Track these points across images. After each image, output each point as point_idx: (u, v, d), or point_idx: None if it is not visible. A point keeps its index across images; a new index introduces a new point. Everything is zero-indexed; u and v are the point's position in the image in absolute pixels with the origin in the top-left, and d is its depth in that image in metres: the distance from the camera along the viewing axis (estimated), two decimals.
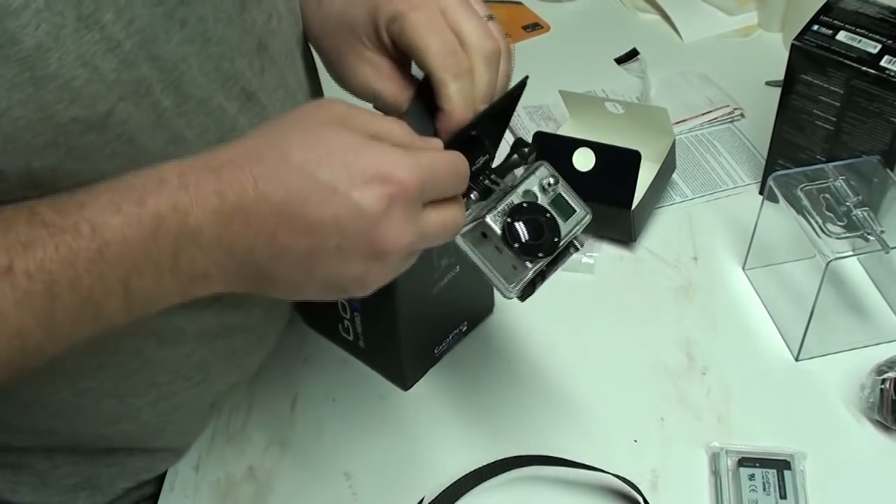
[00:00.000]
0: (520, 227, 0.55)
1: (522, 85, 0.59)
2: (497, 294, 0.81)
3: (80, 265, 0.43)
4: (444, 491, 0.68)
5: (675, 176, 0.93)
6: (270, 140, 0.46)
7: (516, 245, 0.54)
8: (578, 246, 0.58)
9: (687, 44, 1.13)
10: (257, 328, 0.69)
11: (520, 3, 1.20)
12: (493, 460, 0.69)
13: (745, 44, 1.12)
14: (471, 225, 0.55)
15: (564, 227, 0.57)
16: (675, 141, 0.89)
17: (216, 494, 0.70)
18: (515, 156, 0.57)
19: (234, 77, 0.55)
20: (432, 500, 0.68)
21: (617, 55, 1.11)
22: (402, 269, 0.49)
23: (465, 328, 0.79)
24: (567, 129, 0.94)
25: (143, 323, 0.51)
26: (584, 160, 0.84)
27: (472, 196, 0.56)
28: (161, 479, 0.72)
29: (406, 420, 0.74)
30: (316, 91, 0.70)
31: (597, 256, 0.86)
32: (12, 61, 0.43)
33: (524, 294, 0.56)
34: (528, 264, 0.55)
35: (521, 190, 0.56)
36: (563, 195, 0.58)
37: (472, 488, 0.69)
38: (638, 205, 0.83)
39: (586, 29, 1.16)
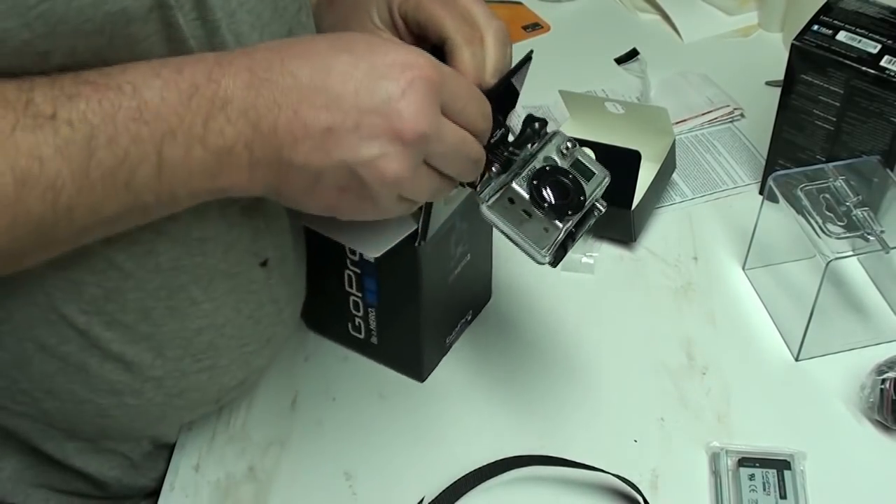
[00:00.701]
0: (546, 189, 0.56)
1: (528, 59, 0.61)
2: (494, 283, 0.82)
3: (119, 121, 0.44)
4: (444, 491, 0.68)
5: (675, 176, 0.93)
6: (302, 38, 0.50)
7: (546, 205, 0.56)
8: (601, 208, 0.60)
9: (687, 44, 1.13)
10: (267, 326, 0.69)
11: (520, 3, 1.20)
12: (493, 460, 0.69)
13: (745, 44, 1.12)
14: (497, 194, 0.56)
15: (588, 186, 0.58)
16: (675, 141, 0.89)
17: (216, 494, 0.70)
18: (529, 129, 0.58)
19: (284, 15, 0.56)
20: (432, 501, 0.68)
21: (617, 55, 1.11)
22: (420, 185, 0.51)
23: (469, 317, 0.80)
24: (567, 129, 0.93)
25: (155, 286, 0.54)
26: None
27: (493, 169, 0.57)
28: (161, 478, 0.72)
29: (406, 420, 0.74)
30: None
31: (597, 256, 0.86)
32: None
33: (556, 258, 0.58)
34: (559, 223, 0.56)
35: (541, 156, 0.58)
36: (581, 159, 0.59)
37: (472, 488, 0.69)
38: (638, 205, 0.83)
39: (586, 29, 1.16)
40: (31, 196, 0.44)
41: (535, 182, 0.56)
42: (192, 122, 0.46)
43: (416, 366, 0.76)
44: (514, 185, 0.56)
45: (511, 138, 0.59)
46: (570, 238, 0.57)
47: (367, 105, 0.47)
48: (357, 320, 0.75)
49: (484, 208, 0.57)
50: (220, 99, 0.46)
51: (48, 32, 0.45)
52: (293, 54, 0.48)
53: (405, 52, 0.49)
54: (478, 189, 0.57)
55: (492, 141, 0.56)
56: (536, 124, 0.59)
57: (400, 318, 0.73)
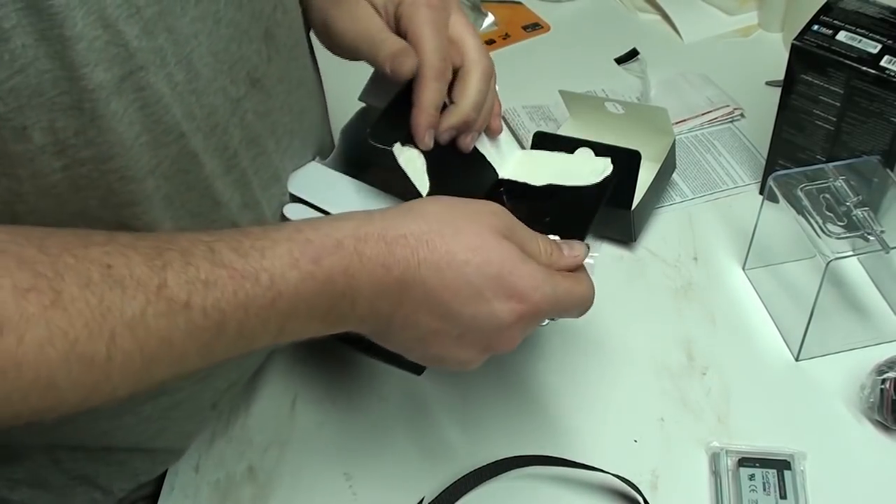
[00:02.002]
0: None
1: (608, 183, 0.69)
2: None
3: (251, 311, 0.47)
4: (444, 491, 0.68)
5: (675, 176, 0.93)
6: (443, 230, 0.52)
7: None
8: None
9: (687, 44, 1.13)
10: None
11: (520, 3, 1.20)
12: (493, 460, 0.69)
13: (745, 44, 1.12)
14: None
15: None
16: (675, 141, 0.88)
17: (216, 495, 0.70)
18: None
19: (240, 61, 0.57)
20: (432, 501, 0.68)
21: (617, 55, 1.11)
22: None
23: None
24: (567, 129, 0.94)
25: None
26: None
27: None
28: (161, 479, 0.72)
29: (406, 420, 0.74)
30: (317, 88, 0.71)
31: (597, 256, 0.86)
32: (43, 14, 0.44)
33: None
34: None
35: None
36: None
37: (472, 488, 0.69)
38: (638, 205, 0.83)
39: (586, 29, 1.16)
40: (158, 370, 0.46)
41: None
42: (318, 308, 0.49)
43: (415, 362, 0.76)
44: None
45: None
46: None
47: (476, 328, 0.52)
48: None
49: None
50: (350, 292, 0.50)
51: (21, 106, 0.45)
52: (430, 263, 0.51)
53: (529, 283, 0.53)
54: None
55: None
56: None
57: None
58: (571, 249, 0.58)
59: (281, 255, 0.48)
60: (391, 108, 0.65)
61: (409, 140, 0.64)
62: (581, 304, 0.57)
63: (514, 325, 0.53)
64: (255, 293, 0.47)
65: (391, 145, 0.63)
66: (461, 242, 0.52)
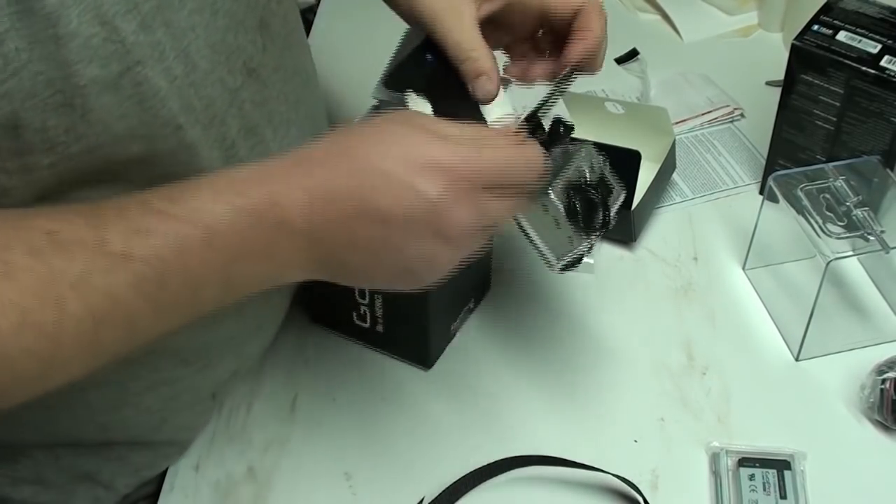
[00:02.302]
0: (577, 202, 0.57)
1: (572, 71, 0.64)
2: (494, 284, 0.82)
3: (190, 254, 0.46)
4: (444, 491, 0.68)
5: (675, 176, 0.93)
6: (346, 139, 0.51)
7: (579, 219, 0.57)
8: (612, 222, 0.60)
9: (687, 44, 1.13)
10: (255, 316, 0.69)
11: None
12: (493, 460, 0.69)
13: (745, 44, 1.12)
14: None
15: (611, 204, 0.60)
16: (675, 141, 0.89)
17: (216, 495, 0.70)
18: (557, 133, 0.59)
19: (237, 51, 0.57)
20: (432, 501, 0.68)
21: (617, 55, 1.11)
22: (473, 249, 0.53)
23: (472, 304, 0.81)
24: None
25: None
26: None
27: None
28: (161, 479, 0.72)
29: (406, 420, 0.74)
30: (313, 77, 0.71)
31: (597, 256, 0.86)
32: (38, 16, 0.44)
33: (567, 268, 0.59)
34: (585, 239, 0.58)
35: (573, 167, 0.59)
36: (606, 174, 0.61)
37: (472, 488, 0.69)
38: (638, 205, 0.83)
39: None
40: (108, 332, 0.46)
41: (570, 193, 0.57)
42: (255, 244, 0.48)
43: (424, 353, 0.76)
44: (552, 194, 0.57)
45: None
46: (589, 252, 0.59)
47: (412, 213, 0.50)
48: (363, 309, 0.76)
49: None
50: (282, 221, 0.48)
51: (15, 109, 0.45)
52: (342, 171, 0.50)
53: (440, 151, 0.50)
54: None
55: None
56: (562, 128, 0.60)
57: (407, 306, 0.73)
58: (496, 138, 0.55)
59: (208, 194, 0.48)
60: (403, 64, 0.65)
61: (421, 91, 0.63)
62: (526, 165, 0.54)
63: (449, 199, 0.50)
64: (189, 233, 0.46)
65: (404, 91, 0.63)
66: (364, 140, 0.51)
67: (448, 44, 0.62)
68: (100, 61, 0.47)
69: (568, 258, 0.59)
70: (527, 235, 0.59)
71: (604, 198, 0.59)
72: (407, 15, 0.65)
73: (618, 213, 0.62)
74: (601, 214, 0.58)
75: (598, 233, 0.58)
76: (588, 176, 0.59)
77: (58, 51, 0.45)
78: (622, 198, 0.61)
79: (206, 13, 0.53)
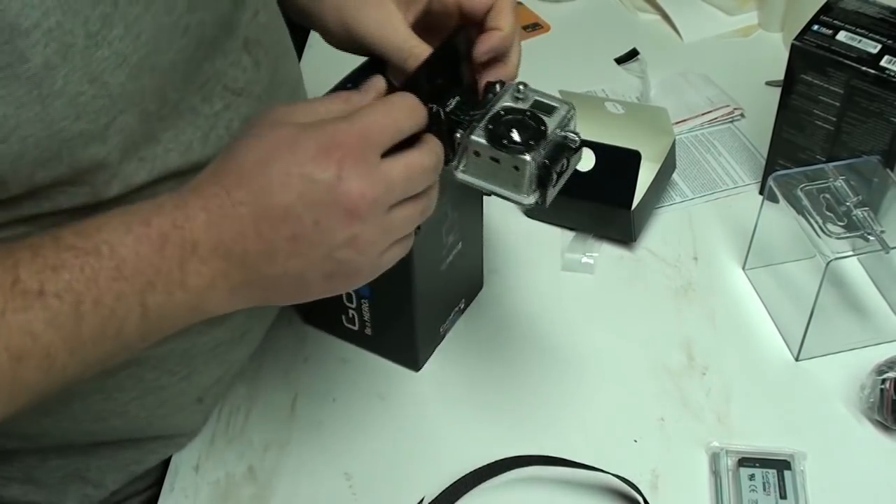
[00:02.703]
0: (503, 129, 0.56)
1: (460, 28, 0.61)
2: (494, 285, 0.82)
3: (102, 284, 0.46)
4: (444, 491, 0.68)
5: (675, 176, 0.93)
6: (230, 155, 0.50)
7: (506, 143, 0.55)
8: (575, 137, 0.58)
9: (687, 44, 1.13)
10: (241, 324, 0.69)
11: (520, 3, 1.20)
12: (493, 460, 0.69)
13: (745, 44, 1.12)
14: (461, 154, 0.56)
15: (550, 119, 0.57)
16: (675, 141, 0.89)
17: (216, 495, 0.70)
18: (489, 93, 0.58)
19: (214, 77, 0.57)
20: (432, 501, 0.68)
21: (617, 55, 1.11)
22: (398, 223, 0.51)
23: (462, 305, 0.81)
24: None
25: None
26: (584, 160, 0.84)
27: (457, 135, 0.56)
28: (161, 479, 0.72)
29: (406, 420, 0.74)
30: (300, 84, 0.71)
31: (597, 256, 0.86)
32: (21, 80, 0.44)
33: (543, 195, 0.56)
34: (526, 156, 0.55)
35: (496, 106, 0.57)
36: (540, 98, 0.58)
37: (472, 488, 0.69)
38: (638, 205, 0.83)
39: (586, 29, 1.16)
40: (27, 369, 0.45)
41: (490, 127, 0.55)
42: (168, 269, 0.48)
43: (412, 355, 0.76)
44: (472, 136, 0.55)
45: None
46: (548, 171, 0.56)
47: (314, 202, 0.48)
48: (350, 312, 0.76)
49: (457, 174, 0.57)
50: (188, 243, 0.48)
51: (4, 170, 0.47)
52: (232, 184, 0.49)
53: (322, 134, 0.49)
54: (451, 163, 0.57)
55: (448, 109, 0.56)
56: (497, 86, 0.58)
57: (393, 309, 0.74)
58: (366, 86, 0.54)
59: (115, 225, 0.48)
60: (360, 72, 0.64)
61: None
62: (401, 111, 0.52)
63: (343, 173, 0.48)
64: (99, 265, 0.46)
65: None
66: (247, 152, 0.49)
67: (389, 51, 0.62)
68: (87, 117, 0.47)
69: (531, 186, 0.56)
70: (484, 190, 0.57)
71: (535, 115, 0.56)
72: (347, 43, 0.65)
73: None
74: (534, 128, 0.56)
75: (536, 148, 0.55)
76: (515, 105, 0.57)
77: (44, 111, 0.45)
78: (572, 112, 0.59)
79: (190, 48, 0.54)
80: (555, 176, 0.56)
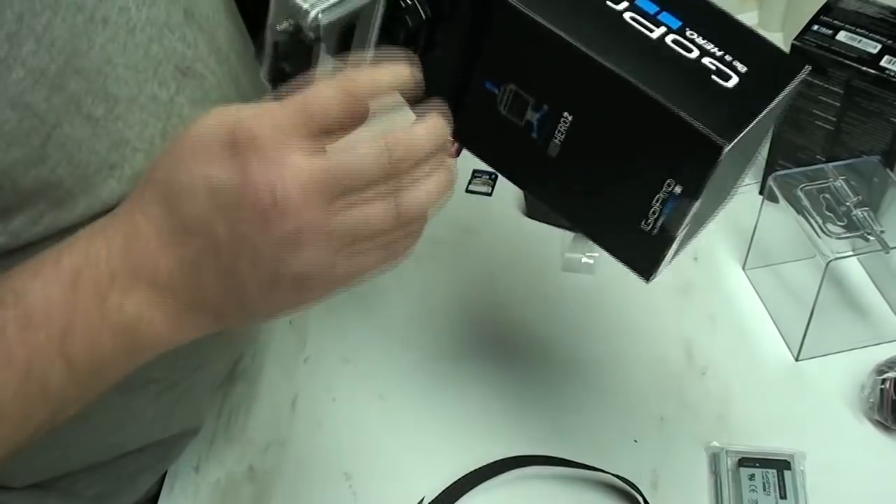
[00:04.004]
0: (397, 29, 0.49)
1: None
2: (494, 284, 0.82)
3: (11, 336, 0.41)
4: (444, 491, 0.68)
5: None
6: (152, 166, 0.45)
7: (400, 35, 0.49)
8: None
9: None
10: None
11: None
12: (493, 460, 0.69)
13: None
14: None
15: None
16: None
17: (216, 495, 0.70)
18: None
19: (165, 58, 0.52)
20: (432, 501, 0.68)
21: None
22: (342, 221, 0.42)
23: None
24: None
25: None
26: None
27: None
28: (161, 479, 0.72)
29: (406, 420, 0.74)
30: (245, 45, 0.65)
31: (597, 256, 0.86)
32: None
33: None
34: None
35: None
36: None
37: (472, 488, 0.69)
38: None
39: None
40: None
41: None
42: (86, 311, 0.42)
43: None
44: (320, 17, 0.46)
45: None
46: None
47: (223, 206, 0.41)
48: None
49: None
50: (105, 276, 0.43)
51: None
52: (148, 200, 0.43)
53: (226, 127, 0.41)
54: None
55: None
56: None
57: None
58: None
59: (24, 271, 0.43)
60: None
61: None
62: (371, 78, 0.42)
63: (244, 169, 0.40)
64: (4, 316, 0.41)
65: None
66: (160, 164, 0.44)
67: None
68: (19, 142, 0.44)
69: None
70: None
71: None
72: None
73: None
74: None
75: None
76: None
77: None
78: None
79: (120, 38, 0.49)
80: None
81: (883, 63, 0.76)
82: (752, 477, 0.67)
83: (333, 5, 0.47)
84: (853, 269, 0.83)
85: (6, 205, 0.46)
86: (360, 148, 0.41)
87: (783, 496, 0.66)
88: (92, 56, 0.48)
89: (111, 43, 0.49)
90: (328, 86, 0.42)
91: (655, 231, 0.54)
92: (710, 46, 0.54)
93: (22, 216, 0.47)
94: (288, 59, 0.49)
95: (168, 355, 0.62)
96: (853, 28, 0.79)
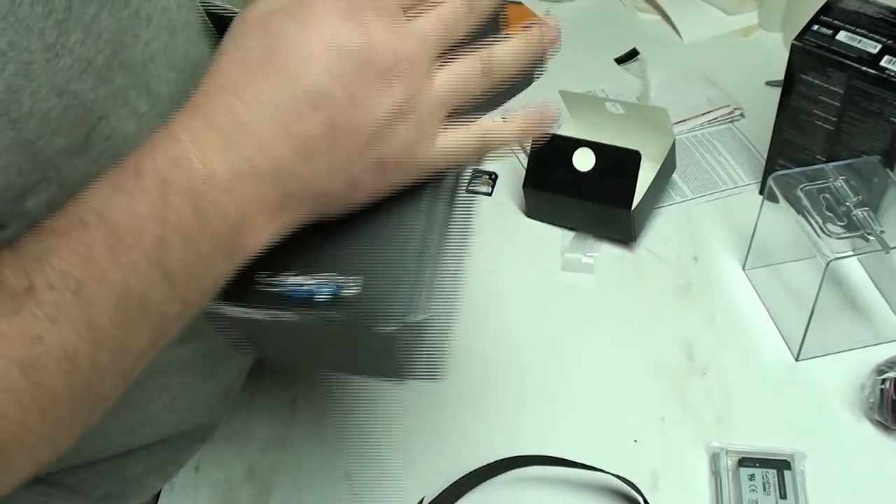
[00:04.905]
0: None
1: None
2: (494, 284, 0.82)
3: (100, 259, 0.39)
4: (444, 491, 0.68)
5: (675, 176, 0.93)
6: (228, 51, 0.44)
7: None
8: None
9: (687, 44, 1.13)
10: None
11: (520, 3, 1.20)
12: (493, 460, 0.69)
13: (745, 44, 1.12)
14: None
15: None
16: (675, 141, 0.89)
17: (216, 495, 0.70)
18: None
19: (202, 62, 0.51)
20: (432, 500, 0.68)
21: (617, 55, 1.11)
22: (440, 90, 0.44)
23: None
24: (567, 129, 0.94)
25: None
26: (584, 160, 0.84)
27: None
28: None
29: (406, 420, 0.74)
30: None
31: (597, 256, 0.86)
32: None
33: None
34: None
35: None
36: None
37: (472, 488, 0.69)
38: (638, 205, 0.83)
39: (586, 29, 1.16)
40: (47, 376, 0.39)
41: None
42: (178, 220, 0.41)
43: None
44: None
45: None
46: None
47: (344, 72, 0.41)
48: None
49: None
50: (199, 178, 0.41)
51: None
52: (242, 84, 0.42)
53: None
54: None
55: None
56: None
57: None
58: None
59: (101, 189, 0.41)
60: None
61: None
62: None
63: (367, 32, 0.42)
64: (90, 239, 0.39)
65: None
66: (253, 38, 0.43)
67: None
68: (64, 130, 0.43)
69: None
70: None
71: None
72: None
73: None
74: None
75: None
76: None
77: (17, 135, 0.41)
78: None
79: (163, 37, 0.49)
80: None
81: (883, 63, 0.76)
82: (752, 477, 0.67)
83: None
84: (853, 269, 0.83)
85: (51, 196, 0.44)
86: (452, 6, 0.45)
87: (783, 496, 0.66)
88: (137, 52, 0.47)
89: (154, 41, 0.48)
90: None
91: None
92: None
93: (58, 207, 0.44)
94: None
95: (185, 362, 0.62)
96: (853, 28, 0.79)
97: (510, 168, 0.94)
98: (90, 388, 0.41)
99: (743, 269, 0.84)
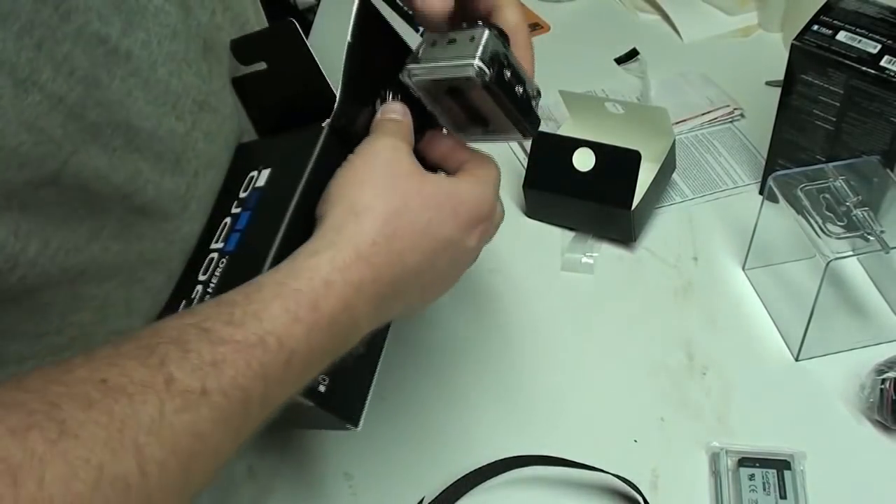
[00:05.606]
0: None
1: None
2: (494, 284, 0.82)
3: (270, 379, 0.45)
4: (444, 491, 0.68)
5: (675, 176, 0.93)
6: (397, 213, 0.52)
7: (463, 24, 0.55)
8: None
9: (687, 44, 1.13)
10: None
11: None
12: (493, 460, 0.69)
13: (745, 44, 1.12)
14: (413, 59, 0.56)
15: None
16: (675, 141, 0.89)
17: (216, 495, 0.70)
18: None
19: (184, 93, 0.53)
20: (432, 501, 0.68)
21: (617, 55, 1.11)
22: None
23: None
24: (567, 129, 0.94)
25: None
26: (584, 160, 0.84)
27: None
28: None
29: (406, 420, 0.74)
30: None
31: (597, 256, 0.86)
32: None
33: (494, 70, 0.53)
34: (480, 28, 0.54)
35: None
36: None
37: (472, 488, 0.69)
38: (638, 205, 0.83)
39: (586, 29, 1.16)
40: (197, 472, 0.43)
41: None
42: (333, 350, 0.49)
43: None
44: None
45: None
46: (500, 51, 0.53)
47: (456, 260, 0.56)
48: None
49: (413, 70, 0.55)
50: (354, 321, 0.50)
51: None
52: (406, 248, 0.52)
53: (475, 204, 0.55)
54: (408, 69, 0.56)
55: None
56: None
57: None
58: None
59: (278, 314, 0.46)
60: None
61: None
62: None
63: (478, 242, 0.57)
64: (267, 360, 0.45)
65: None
66: (410, 208, 0.52)
67: None
68: (32, 165, 0.44)
69: (485, 52, 0.52)
70: (436, 77, 0.55)
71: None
72: None
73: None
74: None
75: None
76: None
77: None
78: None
79: (143, 71, 0.49)
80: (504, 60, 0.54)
81: (883, 63, 0.76)
82: (752, 477, 0.67)
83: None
84: (853, 269, 0.83)
85: (14, 223, 0.45)
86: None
87: (783, 496, 0.66)
88: (113, 88, 0.48)
89: (133, 76, 0.49)
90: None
91: None
92: None
93: (32, 239, 0.46)
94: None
95: None
96: (853, 28, 0.79)
97: (510, 168, 0.94)
98: (212, 480, 0.45)
99: (743, 269, 0.84)
